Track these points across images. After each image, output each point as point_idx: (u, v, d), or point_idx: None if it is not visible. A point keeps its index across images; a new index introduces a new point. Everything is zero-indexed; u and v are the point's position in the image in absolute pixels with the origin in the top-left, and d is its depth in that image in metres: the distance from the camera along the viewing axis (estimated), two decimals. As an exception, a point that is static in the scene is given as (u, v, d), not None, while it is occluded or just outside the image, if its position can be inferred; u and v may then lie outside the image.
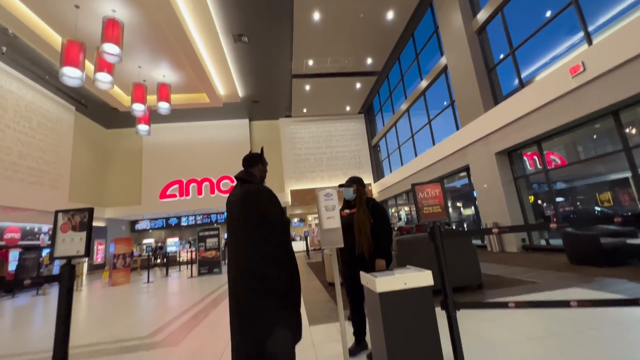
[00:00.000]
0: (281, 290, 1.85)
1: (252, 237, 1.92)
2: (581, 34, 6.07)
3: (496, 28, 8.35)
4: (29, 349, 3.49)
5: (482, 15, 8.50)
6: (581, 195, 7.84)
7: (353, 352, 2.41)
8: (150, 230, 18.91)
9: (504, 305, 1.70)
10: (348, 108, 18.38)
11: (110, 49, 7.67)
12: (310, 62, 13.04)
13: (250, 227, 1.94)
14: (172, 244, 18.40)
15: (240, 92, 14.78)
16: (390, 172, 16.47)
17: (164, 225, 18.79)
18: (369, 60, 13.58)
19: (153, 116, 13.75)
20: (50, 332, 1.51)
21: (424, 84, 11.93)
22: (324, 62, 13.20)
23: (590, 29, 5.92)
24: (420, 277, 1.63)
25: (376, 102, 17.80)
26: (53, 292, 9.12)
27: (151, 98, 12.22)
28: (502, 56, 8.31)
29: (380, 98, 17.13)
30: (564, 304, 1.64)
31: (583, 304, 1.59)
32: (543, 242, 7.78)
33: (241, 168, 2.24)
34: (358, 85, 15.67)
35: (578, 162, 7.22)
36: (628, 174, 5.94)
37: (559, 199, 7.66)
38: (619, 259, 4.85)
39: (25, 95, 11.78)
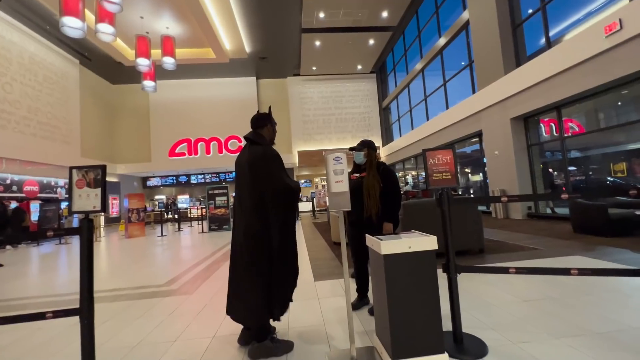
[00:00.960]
0: (273, 268, 1.95)
1: (255, 203, 1.95)
2: (624, -14, 5.45)
3: (528, -23, 7.54)
4: (60, 291, 3.81)
5: (514, -38, 7.63)
6: (594, 165, 7.63)
7: (355, 306, 2.57)
8: (162, 187, 19.46)
9: (505, 270, 1.75)
10: (359, 67, 17.53)
11: (110, -4, 7.25)
12: (322, 15, 12.19)
13: (255, 193, 1.96)
14: (183, 200, 19.01)
15: (247, 48, 14.12)
16: (400, 135, 16.14)
17: (174, 183, 19.27)
18: (385, 14, 12.62)
19: (158, 72, 13.39)
20: (77, 278, 1.63)
21: (442, 41, 11.15)
22: (336, 15, 12.32)
23: (636, -21, 5.30)
24: (425, 242, 1.66)
25: (389, 60, 16.87)
26: (74, 241, 9.72)
27: (156, 52, 11.80)
28: (531, 11, 7.60)
29: (394, 56, 16.20)
30: (565, 271, 1.68)
31: (583, 271, 1.62)
32: (549, 211, 7.79)
33: (249, 128, 2.21)
34: (371, 41, 14.76)
35: (598, 130, 6.91)
36: (648, 144, 5.71)
37: (570, 168, 7.49)
38: (624, 230, 4.86)
39: (27, 47, 11.48)
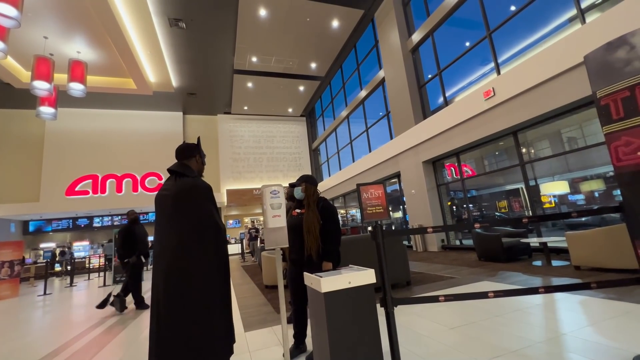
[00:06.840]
0: (208, 303, 1.70)
1: (183, 238, 1.72)
2: (492, 64, 7.13)
3: (427, 50, 9.29)
4: None
5: (416, 37, 9.36)
6: (485, 203, 9.17)
7: (292, 354, 2.36)
8: (52, 233, 15.98)
9: (435, 299, 1.85)
10: (290, 110, 18.36)
11: (4, 9, 6.26)
12: (254, 59, 12.67)
13: (182, 227, 1.74)
14: (81, 248, 15.86)
15: (175, 82, 13.56)
16: (329, 175, 16.92)
17: (71, 227, 16.09)
18: (313, 65, 13.80)
19: (63, 98, 11.72)
20: None
21: (363, 93, 12.59)
22: (268, 61, 12.97)
23: (500, 60, 7.01)
24: (364, 276, 1.66)
25: (318, 106, 18.15)
26: None
27: (62, 77, 10.39)
28: (430, 76, 9.27)
29: (322, 103, 17.52)
30: (483, 295, 1.86)
31: (497, 294, 1.82)
32: (457, 242, 8.86)
33: (172, 163, 2.02)
34: (301, 88, 15.78)
35: (484, 174, 8.44)
36: (520, 185, 7.16)
37: (470, 205, 8.83)
38: (514, 256, 5.79)
39: None
